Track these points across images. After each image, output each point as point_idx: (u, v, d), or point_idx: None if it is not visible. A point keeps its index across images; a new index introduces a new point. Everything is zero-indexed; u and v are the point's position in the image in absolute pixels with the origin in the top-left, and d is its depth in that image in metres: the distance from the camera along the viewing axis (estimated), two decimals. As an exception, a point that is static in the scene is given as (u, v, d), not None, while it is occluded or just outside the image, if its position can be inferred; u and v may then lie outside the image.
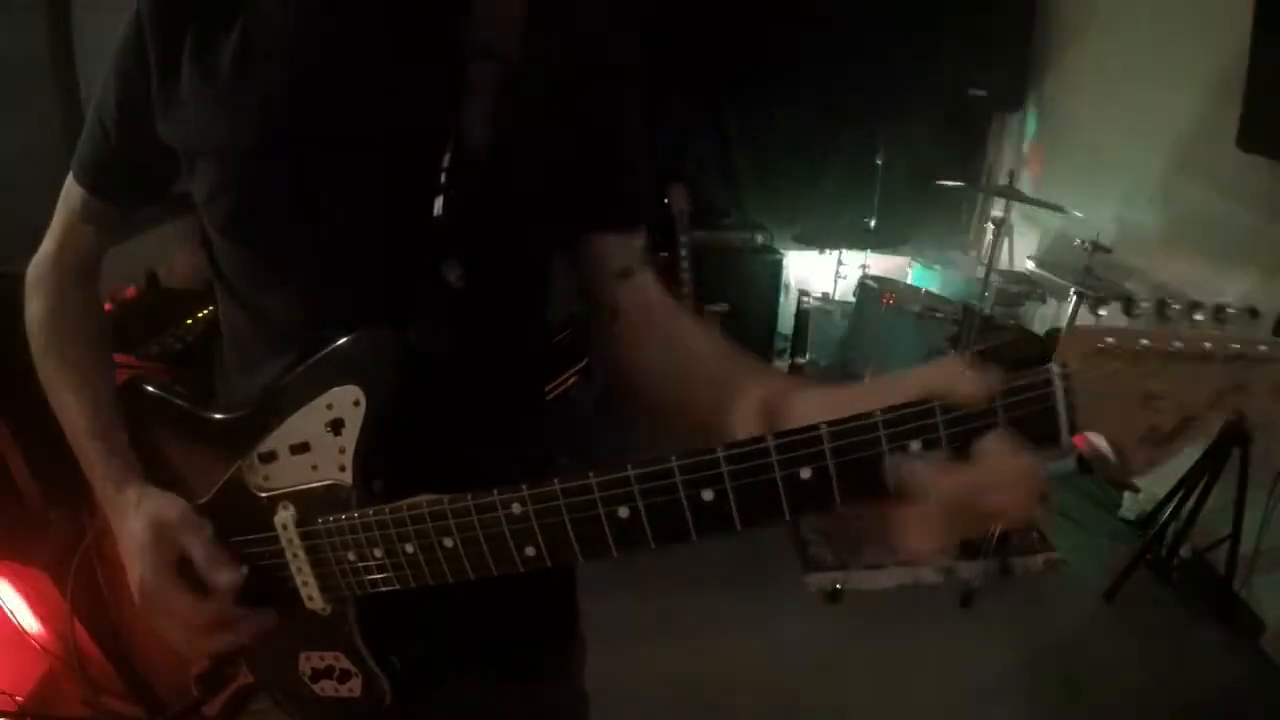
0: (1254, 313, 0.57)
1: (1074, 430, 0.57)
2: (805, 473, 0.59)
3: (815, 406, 0.65)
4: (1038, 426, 0.56)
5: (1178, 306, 0.58)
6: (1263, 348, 0.56)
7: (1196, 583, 2.86)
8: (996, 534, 2.85)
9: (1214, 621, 2.73)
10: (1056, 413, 0.56)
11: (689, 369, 0.88)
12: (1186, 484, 2.74)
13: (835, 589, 2.82)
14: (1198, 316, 0.58)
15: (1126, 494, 3.30)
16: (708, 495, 0.61)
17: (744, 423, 0.76)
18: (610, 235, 0.94)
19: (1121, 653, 2.64)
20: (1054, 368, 0.56)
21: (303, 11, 0.78)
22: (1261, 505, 2.63)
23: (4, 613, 2.06)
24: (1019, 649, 2.65)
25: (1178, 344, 0.56)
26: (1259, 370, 0.56)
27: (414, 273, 0.81)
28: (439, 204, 0.79)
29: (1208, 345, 0.56)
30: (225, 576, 0.84)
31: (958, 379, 0.56)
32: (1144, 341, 0.56)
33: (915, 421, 0.57)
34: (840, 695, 2.46)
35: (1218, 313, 0.57)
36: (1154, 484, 3.14)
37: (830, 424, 0.58)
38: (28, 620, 2.04)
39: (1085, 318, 2.69)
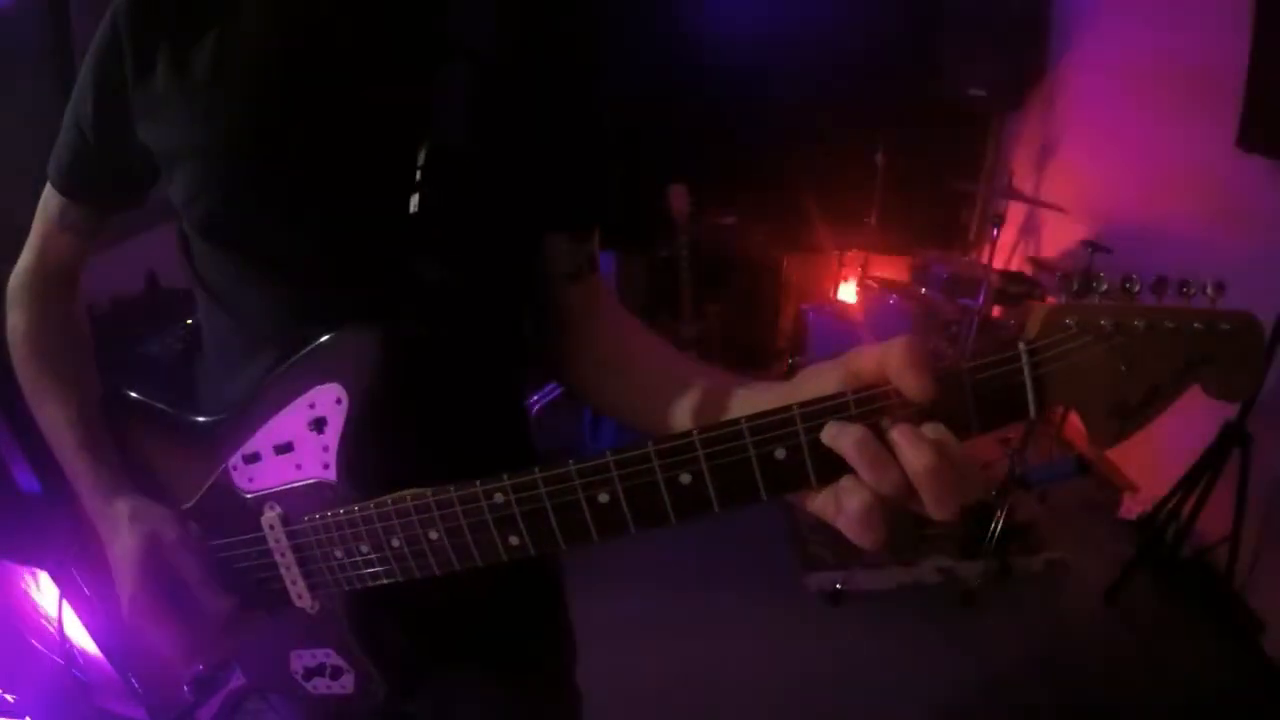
0: (1220, 287, 0.58)
1: (1041, 405, 0.58)
2: (779, 452, 0.60)
3: (756, 403, 0.67)
4: (1005, 401, 0.58)
5: (1139, 285, 0.60)
6: (1225, 325, 0.58)
7: (1196, 583, 2.85)
8: (996, 534, 2.85)
9: (1214, 621, 2.72)
10: (1024, 389, 0.58)
11: (632, 371, 0.90)
12: (1186, 484, 2.73)
13: (835, 589, 2.82)
14: (1165, 292, 0.60)
15: (1126, 494, 3.29)
16: (685, 478, 0.62)
17: (682, 424, 0.78)
18: (562, 237, 0.95)
19: (1121, 653, 2.64)
20: (1022, 346, 0.58)
21: (278, 11, 0.78)
22: (1261, 505, 2.63)
23: (5, 613, 2.07)
24: (1019, 649, 2.64)
25: (1139, 322, 0.58)
26: (1223, 344, 0.58)
27: (392, 269, 0.81)
28: (415, 200, 0.79)
29: (1169, 324, 0.58)
30: (219, 602, 0.85)
31: (904, 374, 0.57)
32: (1104, 321, 0.58)
33: (884, 401, 0.59)
34: (840, 695, 2.46)
35: (1182, 287, 0.59)
36: (1154, 484, 3.14)
37: (802, 404, 0.60)
38: (27, 620, 2.05)
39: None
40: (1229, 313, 0.58)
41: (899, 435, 0.57)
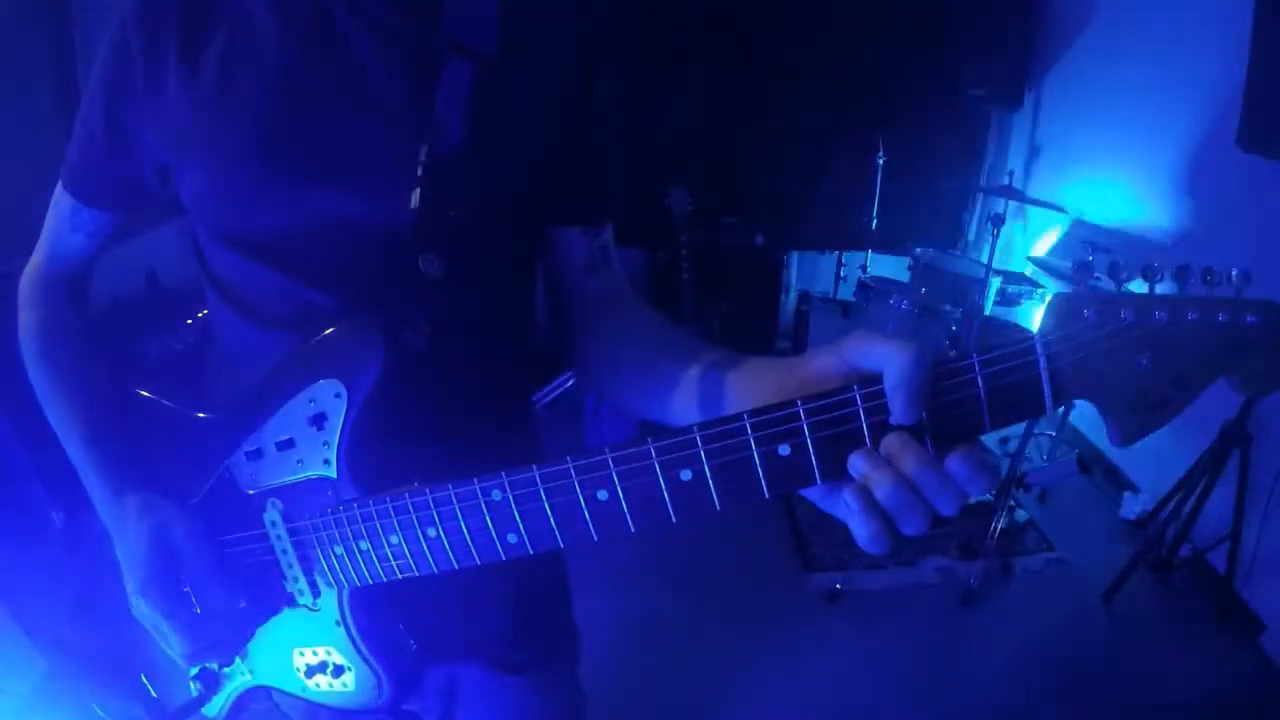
0: (1246, 276, 0.56)
1: (1059, 399, 0.56)
2: (784, 449, 0.59)
3: (776, 380, 0.67)
4: (1020, 397, 0.56)
5: (1162, 275, 0.57)
6: (1251, 318, 0.55)
7: (1196, 583, 2.85)
8: (996, 534, 2.85)
9: (1214, 621, 2.72)
10: (1040, 383, 0.56)
11: (650, 360, 0.89)
12: (1186, 484, 2.73)
13: (835, 589, 2.82)
14: (1188, 281, 0.57)
15: (1126, 494, 3.29)
16: (685, 475, 0.61)
17: (709, 409, 0.77)
18: (574, 230, 0.95)
19: (1121, 653, 2.63)
20: (1037, 338, 0.56)
21: (284, 13, 0.79)
22: (1261, 505, 2.63)
23: (4, 612, 2.07)
24: (1019, 649, 2.64)
25: (1161, 314, 0.55)
26: (1250, 336, 0.55)
27: (396, 265, 0.82)
28: (415, 196, 0.80)
29: (1193, 315, 0.55)
30: (224, 596, 0.85)
31: (896, 391, 0.56)
32: (1125, 312, 0.55)
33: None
34: (840, 695, 2.46)
35: (1206, 276, 0.56)
36: (1154, 484, 3.14)
37: (805, 400, 0.59)
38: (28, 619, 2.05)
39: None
40: (1256, 303, 0.55)
41: (897, 448, 0.57)
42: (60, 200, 0.94)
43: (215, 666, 0.97)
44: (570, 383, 3.09)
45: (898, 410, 0.56)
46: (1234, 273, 0.56)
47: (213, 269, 0.90)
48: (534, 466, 0.66)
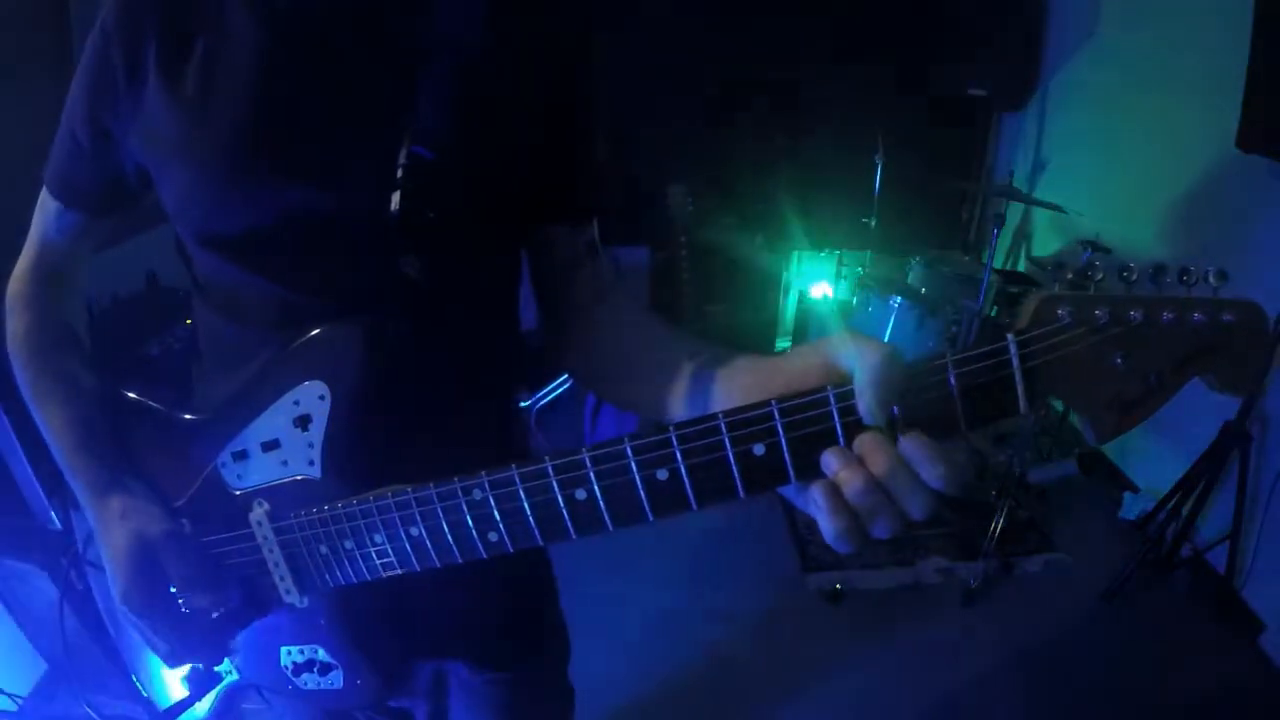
0: (1222, 275, 0.56)
1: (1034, 399, 0.56)
2: (758, 449, 0.59)
3: (760, 377, 0.67)
4: (994, 397, 0.57)
5: (1137, 274, 0.57)
6: (1228, 316, 0.55)
7: (1196, 583, 2.84)
8: (996, 534, 2.85)
9: (1214, 621, 2.71)
10: (1013, 382, 0.56)
11: (637, 355, 0.89)
12: (1186, 484, 2.72)
13: (835, 589, 2.82)
14: (1164, 280, 0.57)
15: (1126, 494, 3.29)
16: (662, 475, 0.61)
17: (695, 404, 0.77)
18: (561, 227, 0.96)
19: (1121, 653, 2.63)
20: (1010, 338, 0.56)
21: (264, 14, 0.79)
22: (1262, 505, 2.62)
23: (4, 613, 2.08)
24: (1019, 649, 2.64)
25: (1135, 313, 0.55)
26: (1226, 335, 0.55)
27: (377, 267, 0.82)
28: (395, 199, 0.80)
29: (1168, 314, 0.55)
30: (208, 598, 0.86)
31: (865, 392, 0.57)
32: (1099, 311, 0.55)
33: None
34: (841, 695, 2.46)
35: (1183, 275, 0.56)
36: (1154, 484, 3.13)
37: (780, 400, 0.59)
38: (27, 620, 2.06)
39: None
40: (1232, 302, 0.55)
41: (870, 448, 0.57)
42: (45, 203, 0.94)
43: (203, 666, 0.97)
44: (570, 383, 3.10)
45: (864, 410, 0.57)
46: (1210, 272, 0.56)
47: (196, 271, 0.90)
48: (513, 466, 0.67)
